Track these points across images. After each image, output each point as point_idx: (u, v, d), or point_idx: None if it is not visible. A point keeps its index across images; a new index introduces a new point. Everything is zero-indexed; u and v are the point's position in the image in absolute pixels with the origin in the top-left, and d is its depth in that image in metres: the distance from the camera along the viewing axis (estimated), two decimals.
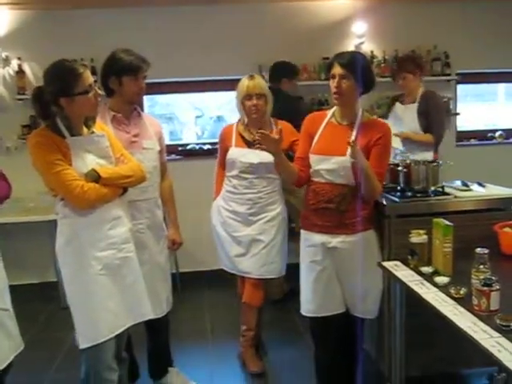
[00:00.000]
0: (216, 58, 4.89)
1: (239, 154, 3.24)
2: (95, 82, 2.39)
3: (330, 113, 2.76)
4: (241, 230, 3.29)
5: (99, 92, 2.40)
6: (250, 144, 3.23)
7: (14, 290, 2.54)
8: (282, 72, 4.50)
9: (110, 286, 2.38)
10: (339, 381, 2.85)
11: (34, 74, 4.72)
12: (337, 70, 2.59)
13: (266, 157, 3.08)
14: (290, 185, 2.96)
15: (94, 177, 2.32)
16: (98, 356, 2.37)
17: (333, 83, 2.60)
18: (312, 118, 2.82)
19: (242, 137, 3.29)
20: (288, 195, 3.53)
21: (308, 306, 2.79)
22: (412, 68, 3.96)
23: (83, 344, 2.36)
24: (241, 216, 3.28)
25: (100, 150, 2.42)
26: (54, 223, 2.46)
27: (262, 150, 2.60)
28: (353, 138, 2.55)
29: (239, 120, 3.35)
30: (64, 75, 2.28)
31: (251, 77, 3.24)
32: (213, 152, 4.40)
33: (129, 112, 2.87)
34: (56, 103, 2.29)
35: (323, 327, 2.78)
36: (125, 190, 2.47)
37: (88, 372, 2.40)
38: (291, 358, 3.53)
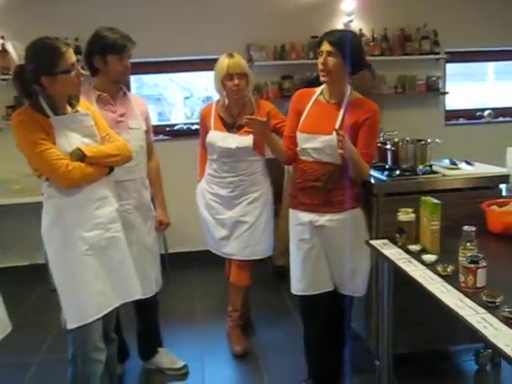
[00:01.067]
0: (204, 36, 4.83)
1: (218, 138, 3.16)
2: (78, 61, 2.35)
3: (318, 90, 2.73)
4: (224, 213, 3.27)
5: (82, 71, 2.35)
6: (229, 127, 3.17)
7: (2, 272, 2.52)
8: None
9: (97, 266, 2.36)
10: (328, 359, 2.87)
11: (17, 54, 4.61)
12: (324, 46, 2.56)
13: (244, 141, 3.07)
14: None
15: (79, 155, 2.29)
16: (85, 336, 2.37)
17: (319, 60, 2.58)
18: (300, 95, 2.78)
19: (221, 119, 3.21)
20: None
21: (297, 284, 2.80)
22: None
23: (70, 324, 2.35)
24: (223, 199, 3.25)
25: (84, 129, 2.38)
26: (40, 205, 2.43)
27: (251, 133, 2.57)
28: (337, 124, 2.54)
29: (218, 100, 3.26)
30: (46, 53, 2.24)
31: (231, 55, 3.11)
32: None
33: (114, 91, 2.83)
34: (37, 82, 2.25)
35: (312, 305, 2.79)
36: (111, 169, 2.44)
37: (75, 352, 2.40)
38: (280, 337, 3.55)
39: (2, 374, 2.73)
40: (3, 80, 4.65)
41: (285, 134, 2.81)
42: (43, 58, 2.23)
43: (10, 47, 4.64)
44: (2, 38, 4.65)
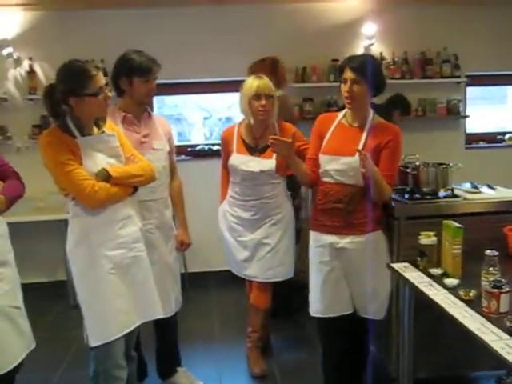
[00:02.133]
0: (224, 59, 4.90)
1: (240, 162, 3.17)
2: (107, 84, 2.40)
3: (341, 114, 2.76)
4: (246, 235, 3.27)
5: (109, 94, 2.41)
6: (252, 150, 3.19)
7: (23, 288, 2.56)
8: (398, 104, 4.61)
9: (120, 284, 2.39)
10: (346, 381, 2.85)
11: (44, 75, 4.75)
12: (348, 74, 2.58)
13: (267, 164, 3.09)
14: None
15: (105, 176, 2.34)
16: (107, 354, 2.39)
17: (344, 88, 2.60)
18: (323, 119, 2.82)
19: (244, 141, 3.22)
20: None
21: (316, 306, 2.79)
22: (263, 74, 3.36)
23: (93, 342, 2.37)
24: (246, 222, 3.25)
25: (110, 150, 2.43)
26: (63, 222, 2.48)
27: (274, 152, 2.60)
28: (360, 146, 2.56)
29: (240, 123, 3.28)
30: (76, 75, 2.30)
31: (259, 77, 3.14)
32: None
33: (139, 112, 2.89)
34: (66, 102, 2.31)
35: (331, 328, 2.78)
36: (135, 189, 2.48)
37: (97, 370, 2.42)
38: (299, 360, 3.53)
39: None
40: (30, 100, 4.77)
41: (307, 157, 2.84)
42: (73, 79, 2.29)
43: (37, 68, 4.77)
44: (30, 59, 4.77)
